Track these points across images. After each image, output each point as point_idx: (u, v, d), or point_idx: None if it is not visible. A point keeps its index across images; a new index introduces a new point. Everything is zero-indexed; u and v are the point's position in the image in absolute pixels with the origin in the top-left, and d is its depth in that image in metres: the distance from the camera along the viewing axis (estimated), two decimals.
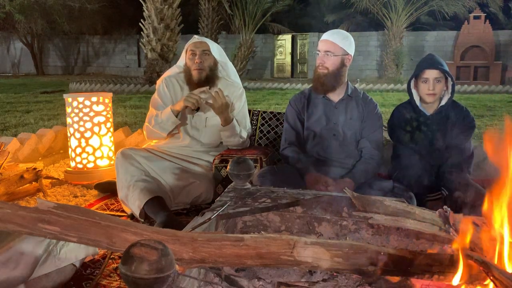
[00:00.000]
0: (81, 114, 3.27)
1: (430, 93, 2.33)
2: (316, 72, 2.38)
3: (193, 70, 2.62)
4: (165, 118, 2.56)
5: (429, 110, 2.42)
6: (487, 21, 14.28)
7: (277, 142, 2.91)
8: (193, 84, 2.64)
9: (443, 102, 2.40)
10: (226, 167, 2.43)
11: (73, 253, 1.69)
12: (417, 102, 2.43)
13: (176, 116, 2.55)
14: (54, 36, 19.72)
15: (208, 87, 2.55)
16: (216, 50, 2.69)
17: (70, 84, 12.41)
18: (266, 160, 2.56)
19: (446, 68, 2.34)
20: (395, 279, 1.25)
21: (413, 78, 2.43)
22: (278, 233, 1.65)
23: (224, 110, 2.52)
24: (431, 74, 2.32)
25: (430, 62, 2.34)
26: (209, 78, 2.64)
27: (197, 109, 2.56)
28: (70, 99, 3.28)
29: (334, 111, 2.41)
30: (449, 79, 2.36)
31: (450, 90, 2.38)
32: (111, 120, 3.44)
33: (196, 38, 2.68)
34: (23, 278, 1.52)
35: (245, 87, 2.97)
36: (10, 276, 1.48)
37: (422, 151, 2.40)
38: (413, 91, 2.44)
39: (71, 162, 3.39)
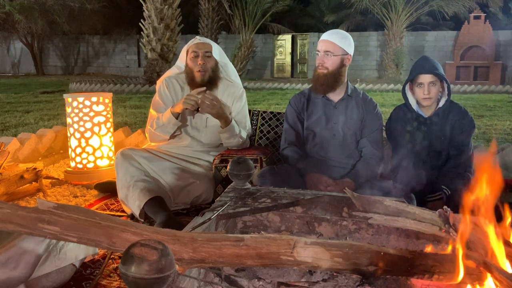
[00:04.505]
0: (81, 114, 3.27)
1: (426, 97, 2.32)
2: (316, 72, 2.38)
3: (196, 72, 2.61)
4: (166, 121, 2.56)
5: (426, 113, 2.42)
6: (487, 21, 14.26)
7: (277, 142, 2.91)
8: (195, 85, 2.62)
9: (440, 104, 2.40)
10: (226, 167, 2.43)
11: (73, 253, 1.69)
12: (414, 105, 2.43)
13: (177, 118, 2.55)
14: (54, 36, 19.70)
15: (205, 88, 2.54)
16: (217, 51, 2.69)
17: (70, 84, 12.41)
18: (266, 160, 2.56)
19: (441, 71, 2.33)
20: (395, 279, 1.25)
21: (409, 82, 2.43)
22: (278, 233, 1.65)
23: (223, 113, 2.52)
24: (425, 78, 2.31)
25: (424, 66, 2.33)
26: (211, 79, 2.64)
27: (197, 110, 2.56)
28: (70, 99, 3.28)
29: (334, 111, 2.42)
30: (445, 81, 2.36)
31: (446, 92, 2.38)
32: (111, 120, 3.44)
33: (198, 39, 2.68)
34: (23, 278, 1.52)
35: (245, 87, 2.97)
36: (10, 276, 1.48)
37: (421, 152, 2.40)
38: (409, 94, 2.44)
39: (71, 162, 3.39)
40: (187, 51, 2.67)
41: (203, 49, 2.61)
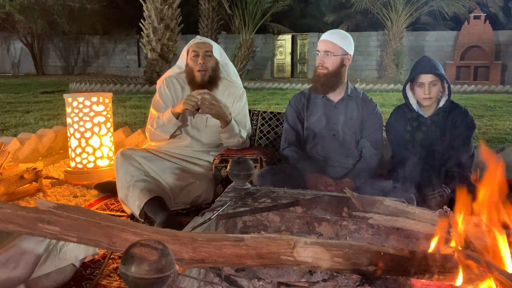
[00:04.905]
0: (81, 114, 3.27)
1: (426, 97, 2.33)
2: (316, 72, 2.38)
3: (196, 72, 2.61)
4: (166, 121, 2.56)
5: (427, 112, 2.42)
6: (487, 21, 14.26)
7: (277, 142, 2.91)
8: (196, 85, 2.63)
9: (441, 104, 2.40)
10: (226, 167, 2.43)
11: (73, 253, 1.69)
12: (414, 105, 2.43)
13: (177, 118, 2.55)
14: (54, 36, 19.70)
15: (206, 90, 2.55)
16: (217, 50, 2.69)
17: (70, 84, 12.41)
18: (266, 160, 2.56)
19: (441, 71, 2.33)
20: (395, 279, 1.25)
21: (409, 82, 2.43)
22: (278, 233, 1.65)
23: (223, 114, 2.53)
24: (426, 78, 2.31)
25: (425, 66, 2.33)
26: (211, 79, 2.64)
27: (197, 110, 2.56)
28: (70, 99, 3.28)
29: (334, 111, 2.42)
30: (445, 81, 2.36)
31: (447, 92, 2.38)
32: (111, 120, 3.44)
33: (198, 38, 2.68)
34: (23, 278, 1.52)
35: (245, 87, 2.97)
36: (10, 276, 1.48)
37: (421, 152, 2.40)
38: (410, 94, 2.44)
39: (71, 162, 3.39)
40: (188, 51, 2.67)
41: (203, 48, 2.61)
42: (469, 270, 1.11)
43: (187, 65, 2.69)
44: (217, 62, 2.68)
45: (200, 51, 2.60)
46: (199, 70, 2.60)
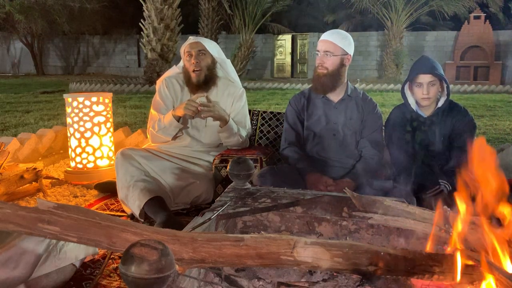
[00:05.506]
0: (81, 114, 3.27)
1: (425, 97, 2.32)
2: (316, 72, 2.38)
3: (191, 72, 2.61)
4: (167, 124, 2.57)
5: (426, 112, 2.42)
6: (487, 21, 14.28)
7: (277, 142, 2.91)
8: (192, 85, 2.64)
9: (439, 104, 2.39)
10: (226, 167, 2.43)
11: (73, 253, 1.69)
12: (413, 105, 2.42)
13: (178, 121, 2.56)
14: (54, 36, 19.71)
15: (206, 94, 2.55)
16: (213, 48, 2.68)
17: (70, 84, 12.41)
18: (266, 160, 2.56)
19: (440, 71, 2.32)
20: (395, 279, 1.25)
21: (408, 82, 2.42)
22: (278, 233, 1.65)
23: (222, 116, 2.53)
24: (424, 78, 2.30)
25: (424, 66, 2.32)
26: (208, 78, 2.64)
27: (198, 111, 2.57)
28: (70, 99, 3.28)
29: (334, 111, 2.42)
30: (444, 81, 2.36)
31: (446, 92, 2.38)
32: (111, 120, 3.44)
33: (191, 39, 2.67)
34: (23, 278, 1.53)
35: (245, 87, 2.97)
36: (10, 276, 1.49)
37: (421, 152, 2.39)
38: (408, 93, 2.44)
39: (71, 162, 3.39)
40: (184, 52, 2.67)
41: (196, 48, 2.60)
42: (469, 270, 1.11)
43: (183, 66, 2.70)
44: (213, 60, 2.67)
45: (193, 51, 2.60)
46: (193, 70, 2.60)
